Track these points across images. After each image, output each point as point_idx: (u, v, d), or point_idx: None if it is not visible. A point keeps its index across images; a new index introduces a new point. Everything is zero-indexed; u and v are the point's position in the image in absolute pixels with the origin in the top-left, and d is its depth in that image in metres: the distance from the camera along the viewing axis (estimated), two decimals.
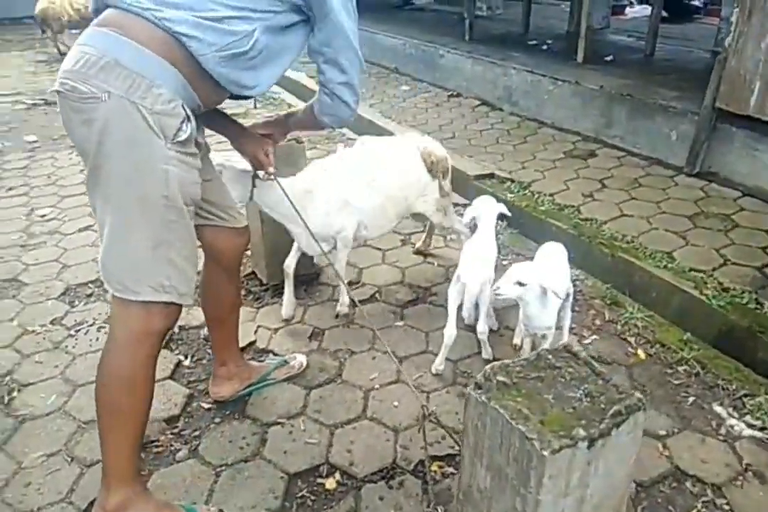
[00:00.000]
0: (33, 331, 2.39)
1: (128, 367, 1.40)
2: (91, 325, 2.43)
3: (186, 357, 2.23)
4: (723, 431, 1.88)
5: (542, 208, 3.26)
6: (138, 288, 1.34)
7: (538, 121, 4.64)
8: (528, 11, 6.11)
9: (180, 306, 1.44)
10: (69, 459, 1.78)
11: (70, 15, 7.59)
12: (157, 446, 1.84)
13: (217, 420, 1.94)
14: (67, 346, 2.30)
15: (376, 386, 2.06)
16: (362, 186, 2.28)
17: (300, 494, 1.68)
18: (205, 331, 2.36)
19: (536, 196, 3.42)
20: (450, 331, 2.06)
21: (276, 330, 2.35)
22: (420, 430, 1.55)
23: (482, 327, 2.10)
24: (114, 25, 1.23)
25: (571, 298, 2.18)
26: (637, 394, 1.01)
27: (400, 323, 2.41)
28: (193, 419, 1.95)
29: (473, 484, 1.14)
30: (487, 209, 2.30)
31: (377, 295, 2.61)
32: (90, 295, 2.65)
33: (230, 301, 1.87)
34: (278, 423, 1.91)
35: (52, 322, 2.45)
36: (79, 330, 2.40)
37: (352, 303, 2.49)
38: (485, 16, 7.31)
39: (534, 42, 5.72)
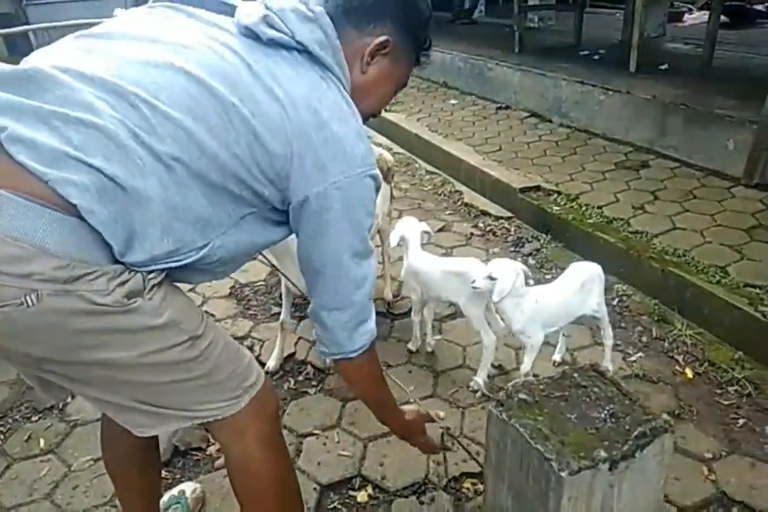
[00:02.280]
0: None
1: (281, 474, 1.23)
2: None
3: None
4: None
5: (590, 221, 3.19)
6: (226, 410, 1.12)
7: (588, 132, 4.55)
8: (580, 21, 6.02)
9: (265, 383, 1.21)
10: None
11: None
12: (196, 452, 1.90)
13: None
14: None
15: (411, 400, 2.06)
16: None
17: (332, 506, 1.69)
18: (247, 343, 2.43)
19: (584, 208, 3.34)
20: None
21: (314, 342, 2.39)
22: (440, 450, 1.53)
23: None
24: None
25: (604, 318, 2.09)
26: (665, 416, 0.98)
27: (438, 337, 2.40)
28: None
29: (496, 505, 1.12)
30: (410, 229, 2.20)
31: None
32: None
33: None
34: (313, 434, 1.94)
35: None
36: None
37: (390, 318, 2.51)
38: (537, 28, 7.25)
39: (586, 52, 5.63)
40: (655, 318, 2.46)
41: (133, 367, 0.98)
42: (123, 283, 0.91)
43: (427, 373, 2.22)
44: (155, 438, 1.38)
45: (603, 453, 0.91)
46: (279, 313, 2.51)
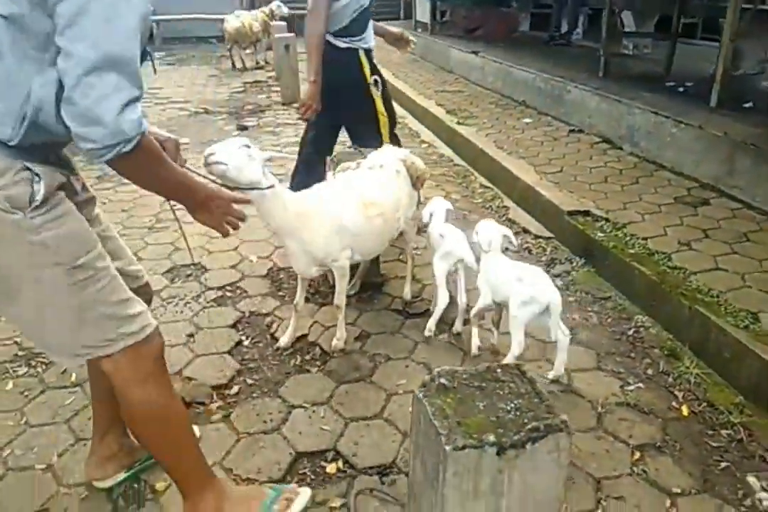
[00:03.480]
0: None
1: (151, 404, 1.40)
2: (181, 300, 2.82)
3: (246, 338, 2.52)
4: (748, 502, 1.75)
5: (630, 251, 3.17)
6: (97, 351, 1.31)
7: (656, 164, 4.46)
8: (672, 51, 5.88)
9: (150, 335, 1.38)
10: None
11: (249, 36, 8.68)
12: (199, 406, 2.12)
13: (255, 394, 2.18)
14: (156, 314, 2.70)
15: (400, 391, 2.19)
16: (360, 210, 2.24)
17: (302, 471, 1.85)
18: (268, 319, 2.65)
19: (628, 237, 3.32)
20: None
21: (328, 328, 2.56)
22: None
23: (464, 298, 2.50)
24: None
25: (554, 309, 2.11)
26: (563, 416, 1.06)
27: (444, 336, 2.51)
28: (235, 390, 2.21)
29: (414, 479, 1.24)
30: (438, 206, 2.62)
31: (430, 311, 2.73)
32: (189, 275, 3.07)
33: None
34: (303, 407, 2.11)
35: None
36: (170, 302, 2.80)
37: (405, 315, 2.65)
38: (631, 55, 7.11)
39: (672, 83, 5.49)
40: (666, 352, 2.44)
41: (8, 278, 1.18)
42: (3, 187, 1.09)
43: (423, 369, 2.33)
44: None
45: (492, 438, 1.01)
46: (306, 297, 2.73)
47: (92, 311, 1.27)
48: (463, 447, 1.00)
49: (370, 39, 3.07)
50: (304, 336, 2.53)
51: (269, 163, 1.98)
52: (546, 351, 2.42)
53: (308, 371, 2.31)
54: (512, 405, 1.09)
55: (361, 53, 3.02)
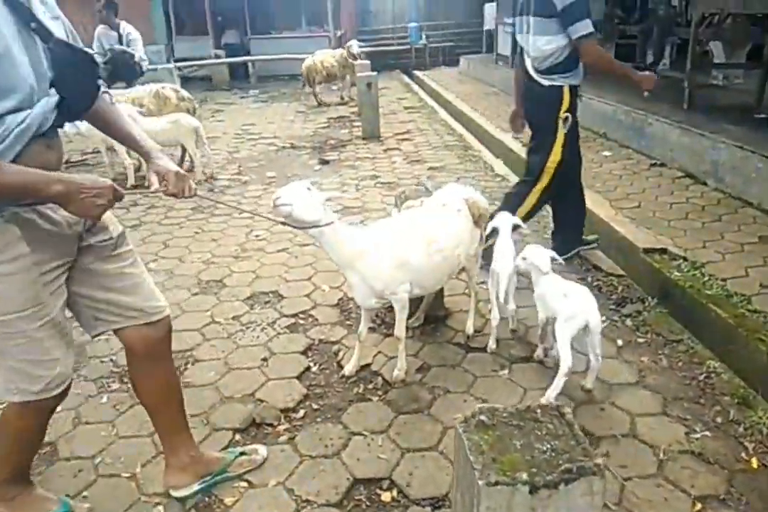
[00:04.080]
0: (218, 322, 3.07)
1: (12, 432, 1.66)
2: (258, 325, 3.03)
3: (315, 365, 2.67)
4: None
5: (708, 292, 3.06)
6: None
7: (741, 200, 4.28)
8: (764, 82, 5.63)
9: (48, 399, 1.56)
10: (204, 422, 2.31)
11: (322, 72, 9.18)
12: (268, 427, 2.27)
13: (318, 420, 2.31)
14: (236, 338, 2.92)
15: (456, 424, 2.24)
16: (421, 247, 2.34)
17: (358, 497, 1.94)
18: (336, 347, 2.79)
19: (706, 278, 3.21)
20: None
21: (391, 358, 2.66)
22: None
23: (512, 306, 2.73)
24: None
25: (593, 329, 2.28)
26: (598, 460, 1.10)
27: (504, 373, 2.54)
28: (301, 414, 2.35)
29: (457, 509, 1.30)
30: (504, 221, 2.78)
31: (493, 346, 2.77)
32: (267, 302, 3.29)
33: (158, 390, 1.83)
34: (362, 434, 2.21)
35: (233, 318, 3.11)
36: (249, 327, 3.02)
37: (466, 349, 2.70)
38: (720, 86, 6.86)
39: (762, 116, 5.26)
40: (737, 400, 2.34)
41: None
42: None
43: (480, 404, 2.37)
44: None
45: (524, 476, 1.07)
46: (370, 328, 2.86)
47: (3, 360, 1.49)
48: (496, 484, 1.06)
49: (579, 73, 3.24)
50: (368, 365, 2.64)
51: (329, 202, 2.16)
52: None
53: (370, 400, 2.42)
54: (549, 445, 1.14)
55: (566, 89, 3.20)
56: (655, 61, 8.35)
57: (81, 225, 1.55)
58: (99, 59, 7.18)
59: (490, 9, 12.71)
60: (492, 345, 2.69)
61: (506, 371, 2.55)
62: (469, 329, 2.81)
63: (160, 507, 1.91)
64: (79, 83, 1.46)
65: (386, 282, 2.28)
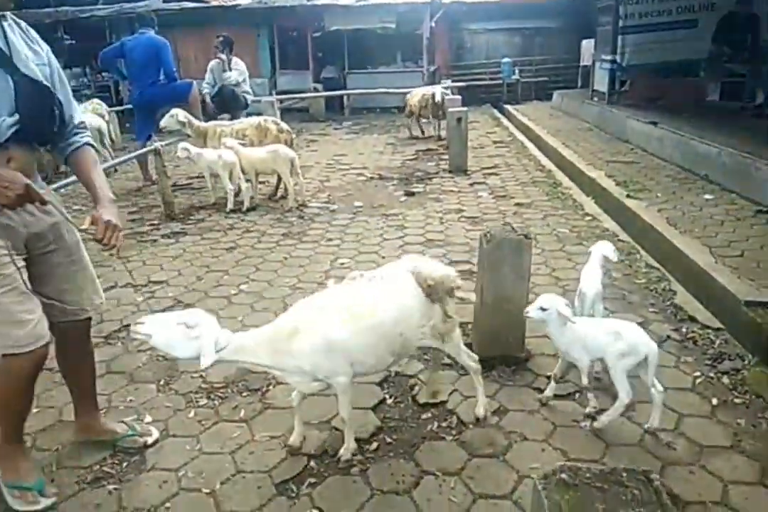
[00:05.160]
0: None
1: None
2: None
3: (390, 397, 2.69)
4: None
5: None
6: None
7: None
8: None
9: (31, 351, 1.90)
10: (282, 445, 2.38)
11: (424, 107, 9.36)
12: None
13: (391, 454, 2.31)
14: None
15: (533, 475, 2.16)
16: (352, 324, 2.09)
17: None
18: (412, 381, 2.80)
19: None
20: None
21: (467, 397, 2.63)
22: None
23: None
24: None
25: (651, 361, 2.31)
26: None
27: (585, 424, 2.44)
28: (374, 446, 2.36)
29: None
30: (598, 248, 3.01)
31: (576, 394, 2.67)
32: None
33: (81, 368, 2.31)
34: (434, 474, 2.18)
35: None
36: None
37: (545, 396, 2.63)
38: None
39: None
40: None
41: None
42: None
43: (559, 456, 2.28)
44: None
45: None
46: (447, 364, 2.85)
47: None
48: None
49: None
50: (443, 402, 2.62)
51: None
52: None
53: (443, 438, 2.39)
54: None
55: None
56: (766, 101, 7.91)
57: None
58: (207, 90, 7.81)
59: (587, 45, 12.61)
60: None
61: (588, 423, 2.44)
62: (479, 411, 2.50)
63: None
64: (36, 109, 1.89)
65: (317, 368, 2.08)
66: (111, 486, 2.17)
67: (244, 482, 2.18)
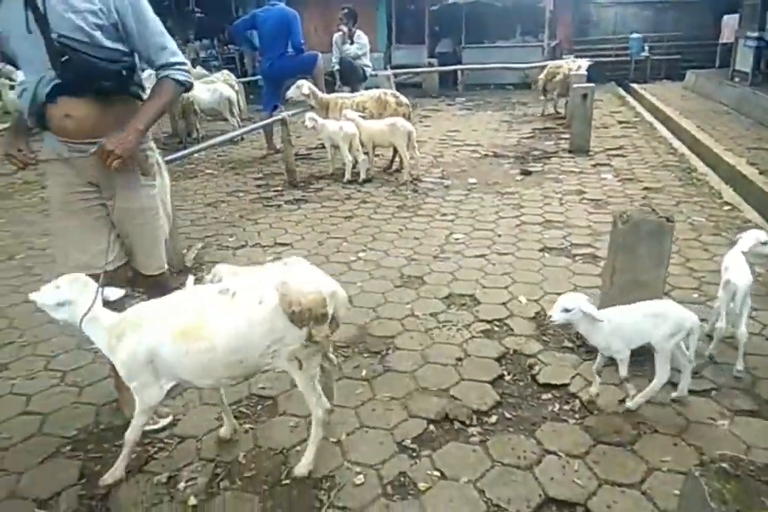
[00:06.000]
0: (416, 316, 3.21)
1: None
2: (454, 325, 3.10)
3: (508, 374, 2.66)
4: None
5: None
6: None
7: None
8: None
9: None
10: (403, 407, 2.43)
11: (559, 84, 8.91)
12: (460, 424, 2.32)
13: (511, 429, 2.30)
14: (432, 334, 3.02)
15: (664, 469, 2.06)
16: (182, 343, 1.85)
17: None
18: (531, 361, 2.75)
19: None
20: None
21: (590, 382, 2.54)
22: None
23: (743, 329, 2.53)
24: None
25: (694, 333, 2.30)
26: None
27: (724, 423, 2.28)
28: (493, 420, 2.36)
29: None
30: (751, 234, 2.85)
31: (712, 391, 2.50)
32: (463, 304, 3.35)
33: None
34: (557, 455, 2.14)
35: (430, 314, 3.23)
36: (445, 325, 3.11)
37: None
38: None
39: None
40: None
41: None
42: None
43: (693, 452, 2.16)
44: None
45: None
46: (568, 347, 2.79)
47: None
48: None
49: None
50: (565, 385, 2.56)
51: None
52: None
53: (565, 421, 2.34)
54: None
55: None
56: None
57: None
58: (334, 61, 7.98)
59: (729, 20, 11.45)
60: (738, 366, 2.56)
61: (727, 422, 2.29)
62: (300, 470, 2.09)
63: (361, 476, 2.07)
64: (72, 64, 1.90)
65: (129, 373, 1.93)
66: (247, 426, 2.33)
67: (368, 436, 2.26)
